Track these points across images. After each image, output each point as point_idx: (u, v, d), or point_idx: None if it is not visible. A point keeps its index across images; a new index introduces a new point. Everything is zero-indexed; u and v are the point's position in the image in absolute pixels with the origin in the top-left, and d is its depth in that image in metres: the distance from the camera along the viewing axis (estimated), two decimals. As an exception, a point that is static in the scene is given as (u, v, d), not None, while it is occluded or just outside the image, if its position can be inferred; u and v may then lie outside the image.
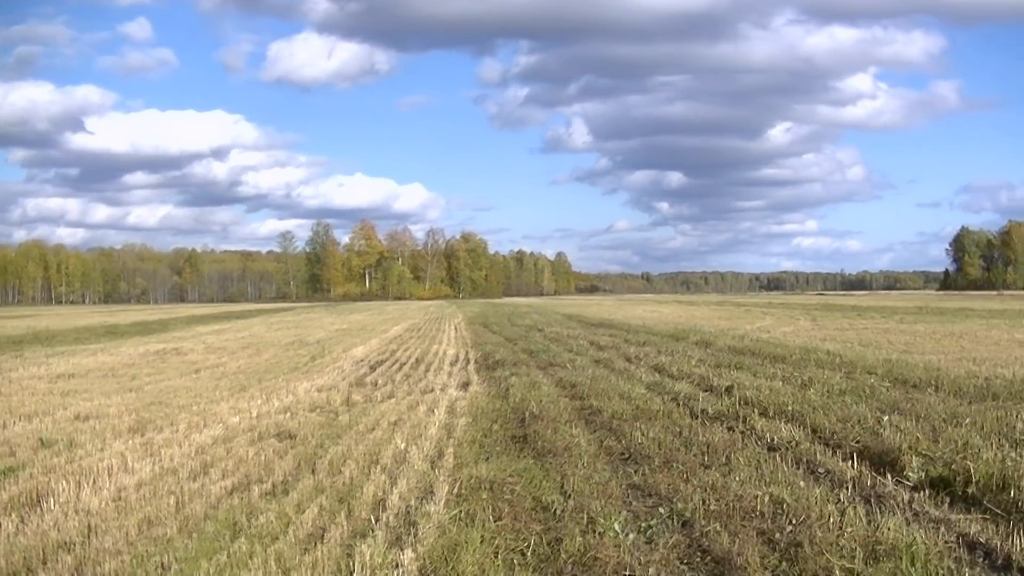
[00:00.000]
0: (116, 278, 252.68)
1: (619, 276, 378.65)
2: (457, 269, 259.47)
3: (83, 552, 9.16)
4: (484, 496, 10.83)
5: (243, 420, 17.07)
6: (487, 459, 13.10)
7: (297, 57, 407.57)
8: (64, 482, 11.86)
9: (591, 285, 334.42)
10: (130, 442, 14.96)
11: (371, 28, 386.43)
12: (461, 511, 10.08)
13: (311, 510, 10.30)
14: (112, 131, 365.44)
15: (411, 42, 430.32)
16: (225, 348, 38.96)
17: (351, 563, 8.34)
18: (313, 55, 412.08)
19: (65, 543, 9.44)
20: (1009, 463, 10.88)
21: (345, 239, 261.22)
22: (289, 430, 15.92)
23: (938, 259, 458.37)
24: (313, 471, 12.48)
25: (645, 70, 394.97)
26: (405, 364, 29.66)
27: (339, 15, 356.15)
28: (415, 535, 9.14)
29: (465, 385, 22.77)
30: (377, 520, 9.75)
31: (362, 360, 31.48)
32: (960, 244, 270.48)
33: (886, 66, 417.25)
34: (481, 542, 8.92)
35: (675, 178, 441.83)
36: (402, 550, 8.60)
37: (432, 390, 21.71)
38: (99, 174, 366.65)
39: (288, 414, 17.86)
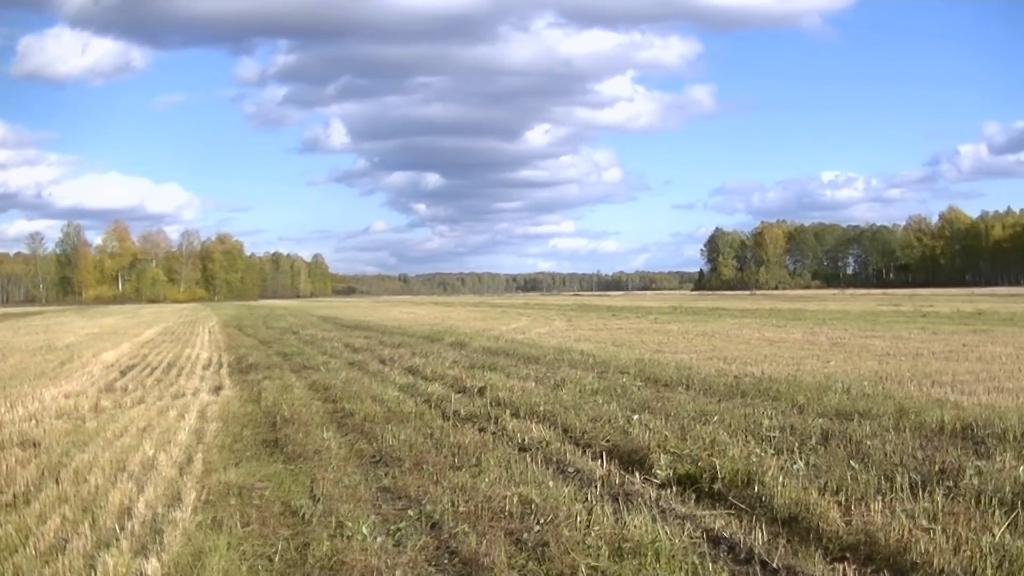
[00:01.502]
0: None
1: (376, 277, 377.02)
2: (213, 271, 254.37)
3: None
4: (232, 502, 10.78)
5: (-16, 429, 16.49)
6: (237, 464, 13.03)
7: (49, 52, 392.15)
8: None
9: (348, 287, 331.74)
10: None
11: (126, 24, 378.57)
12: (208, 517, 10.02)
13: (53, 520, 10.05)
14: None
15: (167, 39, 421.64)
16: (-34, 354, 37.41)
17: (94, 574, 8.19)
18: (66, 50, 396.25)
19: None
20: (754, 459, 11.24)
21: (98, 240, 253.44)
22: (33, 438, 15.45)
23: (693, 259, 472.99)
24: (57, 480, 12.14)
25: (404, 71, 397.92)
26: (157, 368, 29.09)
27: (93, 10, 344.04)
28: (161, 543, 9.00)
29: (217, 389, 22.52)
30: (122, 529, 9.58)
31: (113, 365, 30.68)
32: (714, 245, 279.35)
33: (644, 70, 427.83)
34: (228, 548, 8.88)
35: (433, 179, 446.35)
36: (147, 559, 8.46)
37: (183, 395, 21.38)
38: None
39: (33, 422, 17.30)
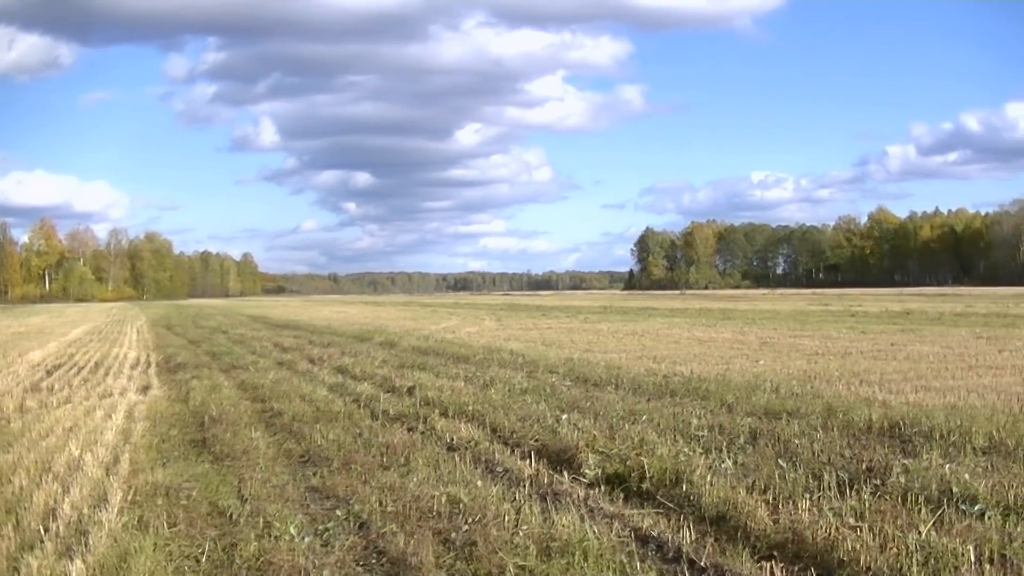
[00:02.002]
0: None
1: (306, 277, 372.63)
2: (141, 270, 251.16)
3: None
4: (159, 502, 10.67)
5: (-96, 430, 16.21)
6: (164, 464, 12.91)
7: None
8: None
9: (278, 286, 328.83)
10: None
11: (53, 19, 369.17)
12: (134, 518, 9.88)
13: (-24, 523, 9.92)
14: None
15: (95, 35, 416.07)
16: None
17: (17, 576, 8.09)
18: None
19: None
20: (682, 458, 11.29)
21: (24, 239, 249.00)
22: (-45, 439, 15.25)
23: (623, 259, 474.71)
24: (-21, 482, 11.99)
25: (334, 69, 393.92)
26: (84, 368, 28.78)
27: (18, 5, 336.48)
28: (86, 544, 8.87)
29: (145, 389, 22.33)
30: (47, 530, 9.44)
31: (39, 364, 30.31)
32: (644, 244, 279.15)
33: (574, 70, 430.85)
34: (154, 549, 8.77)
35: (363, 178, 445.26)
36: (71, 560, 8.35)
37: (111, 394, 21.14)
38: None
39: (-45, 422, 17.08)
